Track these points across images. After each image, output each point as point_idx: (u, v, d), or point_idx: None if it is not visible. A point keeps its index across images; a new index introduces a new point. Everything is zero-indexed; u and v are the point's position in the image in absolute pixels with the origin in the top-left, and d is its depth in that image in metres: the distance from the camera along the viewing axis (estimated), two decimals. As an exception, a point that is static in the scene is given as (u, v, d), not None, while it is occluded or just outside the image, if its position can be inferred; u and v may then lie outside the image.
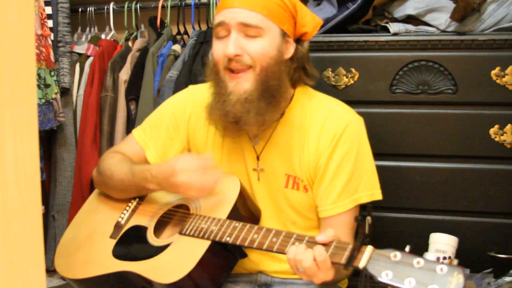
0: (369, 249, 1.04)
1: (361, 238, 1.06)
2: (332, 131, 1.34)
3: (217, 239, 1.22)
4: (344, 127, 1.33)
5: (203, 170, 1.27)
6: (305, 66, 1.39)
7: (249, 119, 1.29)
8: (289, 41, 1.34)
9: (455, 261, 0.96)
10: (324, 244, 1.10)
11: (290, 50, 1.35)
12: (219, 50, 1.31)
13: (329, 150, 1.33)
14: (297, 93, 1.39)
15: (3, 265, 0.66)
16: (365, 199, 1.34)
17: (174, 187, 1.29)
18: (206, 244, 1.22)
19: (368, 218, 1.08)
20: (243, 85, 1.29)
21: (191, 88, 1.52)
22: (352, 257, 1.04)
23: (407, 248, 1.00)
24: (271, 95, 1.31)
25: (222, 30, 1.30)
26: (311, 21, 1.37)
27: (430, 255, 0.94)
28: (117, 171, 1.41)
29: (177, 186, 1.27)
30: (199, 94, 1.47)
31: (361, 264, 1.02)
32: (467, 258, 1.57)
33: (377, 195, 1.37)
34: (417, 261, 0.96)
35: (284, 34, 1.32)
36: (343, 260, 1.06)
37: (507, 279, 1.46)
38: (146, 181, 1.33)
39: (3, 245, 0.66)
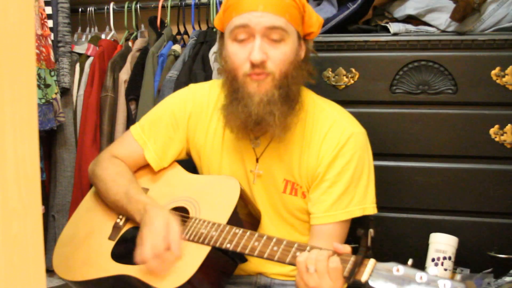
0: (371, 262, 1.03)
1: (364, 251, 1.04)
2: (334, 140, 1.33)
3: (217, 245, 1.21)
4: (347, 138, 1.33)
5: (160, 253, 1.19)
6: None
7: (275, 121, 1.27)
8: (302, 42, 1.33)
9: (458, 276, 0.95)
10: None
11: (302, 52, 1.33)
12: (241, 54, 1.27)
13: (330, 159, 1.32)
14: (302, 97, 1.37)
15: (3, 265, 0.66)
16: (358, 213, 1.33)
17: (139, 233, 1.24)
18: (206, 250, 1.21)
19: (371, 231, 1.07)
20: (264, 86, 1.27)
21: (192, 87, 1.50)
22: (355, 270, 1.03)
23: (410, 262, 0.99)
24: (292, 99, 1.30)
25: (243, 33, 1.26)
26: (316, 21, 1.36)
27: (432, 268, 0.93)
28: (112, 190, 1.37)
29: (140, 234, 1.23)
30: (199, 93, 1.46)
31: (364, 277, 1.01)
32: (467, 258, 1.57)
33: (370, 210, 1.35)
34: (420, 276, 0.95)
35: (299, 37, 1.31)
36: (345, 273, 1.05)
37: (507, 279, 1.45)
38: (137, 212, 1.29)
39: (3, 245, 0.66)
